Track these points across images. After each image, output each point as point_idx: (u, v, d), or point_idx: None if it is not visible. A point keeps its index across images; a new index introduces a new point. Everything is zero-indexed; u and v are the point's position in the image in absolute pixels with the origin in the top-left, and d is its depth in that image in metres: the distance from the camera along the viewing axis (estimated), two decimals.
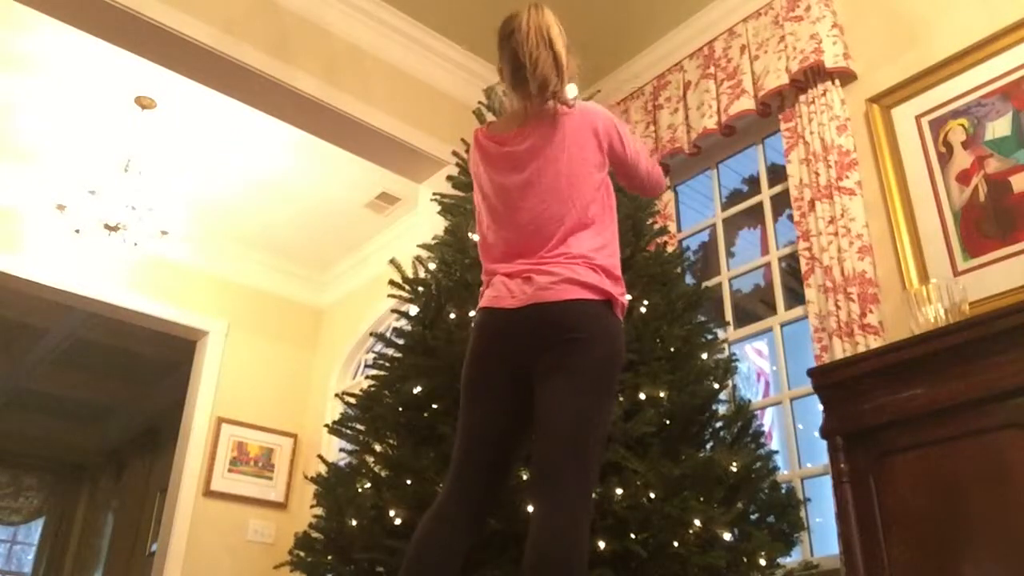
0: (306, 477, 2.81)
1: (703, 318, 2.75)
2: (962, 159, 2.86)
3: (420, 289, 2.70)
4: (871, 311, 2.84)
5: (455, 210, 2.93)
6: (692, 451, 2.33)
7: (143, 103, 4.32)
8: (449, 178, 3.05)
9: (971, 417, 2.16)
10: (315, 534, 2.49)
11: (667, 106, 3.89)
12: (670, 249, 3.05)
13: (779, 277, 3.50)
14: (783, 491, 2.54)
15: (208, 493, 5.15)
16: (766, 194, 3.66)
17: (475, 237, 2.20)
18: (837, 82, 3.24)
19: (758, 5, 3.62)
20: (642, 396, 2.31)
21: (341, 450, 2.82)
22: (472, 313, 2.19)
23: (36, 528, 9.66)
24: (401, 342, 2.60)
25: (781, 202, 3.56)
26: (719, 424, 2.55)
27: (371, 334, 3.32)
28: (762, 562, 2.24)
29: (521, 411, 1.74)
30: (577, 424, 1.64)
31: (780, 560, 2.35)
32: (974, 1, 2.97)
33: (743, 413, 2.58)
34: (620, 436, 2.18)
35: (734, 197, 3.95)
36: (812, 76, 3.30)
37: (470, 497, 1.73)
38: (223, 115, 4.37)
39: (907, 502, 2.23)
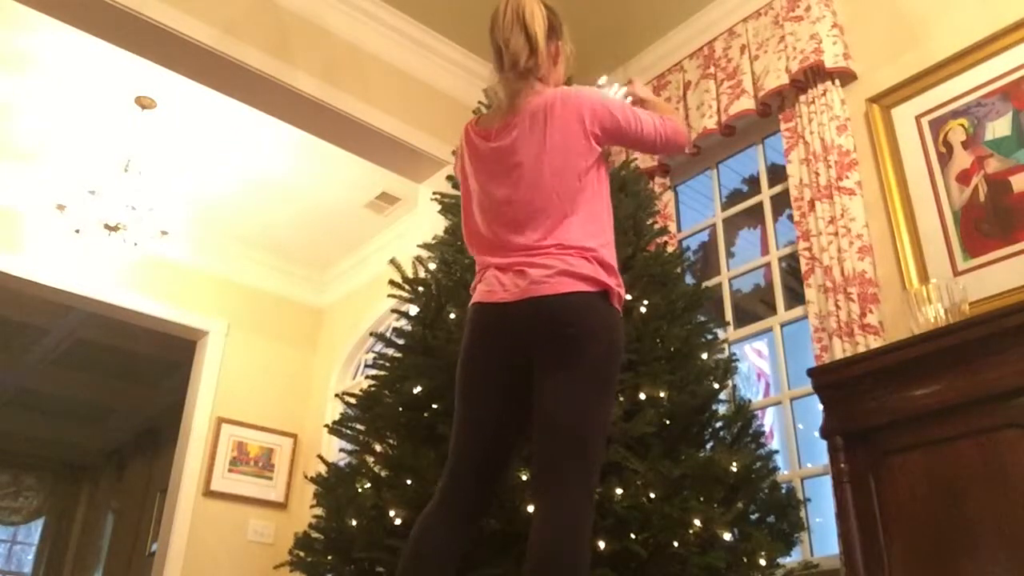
0: (306, 477, 2.81)
1: (703, 318, 2.74)
2: (962, 159, 2.86)
3: (420, 289, 2.70)
4: (871, 311, 2.84)
5: (455, 209, 2.92)
6: (692, 451, 2.33)
7: (143, 103, 4.32)
8: (449, 178, 3.04)
9: (971, 417, 2.16)
10: (315, 534, 2.48)
11: None
12: (670, 249, 3.04)
13: (779, 277, 3.50)
14: (783, 491, 2.53)
15: (208, 493, 5.15)
16: (766, 194, 3.66)
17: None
18: (837, 82, 3.24)
19: (758, 5, 3.62)
20: (642, 396, 2.30)
21: (341, 450, 2.82)
22: None
23: (36, 528, 9.66)
24: (401, 342, 2.60)
25: (781, 202, 3.56)
26: (719, 424, 2.55)
27: (371, 334, 3.31)
28: (762, 562, 2.24)
29: (517, 407, 1.72)
30: (578, 420, 1.62)
31: (780, 560, 2.35)
32: (974, 1, 2.97)
33: (743, 413, 2.58)
34: (620, 436, 2.18)
35: (734, 197, 3.95)
36: (812, 76, 3.30)
37: (466, 495, 1.72)
38: (223, 115, 4.37)
39: (907, 502, 2.23)
